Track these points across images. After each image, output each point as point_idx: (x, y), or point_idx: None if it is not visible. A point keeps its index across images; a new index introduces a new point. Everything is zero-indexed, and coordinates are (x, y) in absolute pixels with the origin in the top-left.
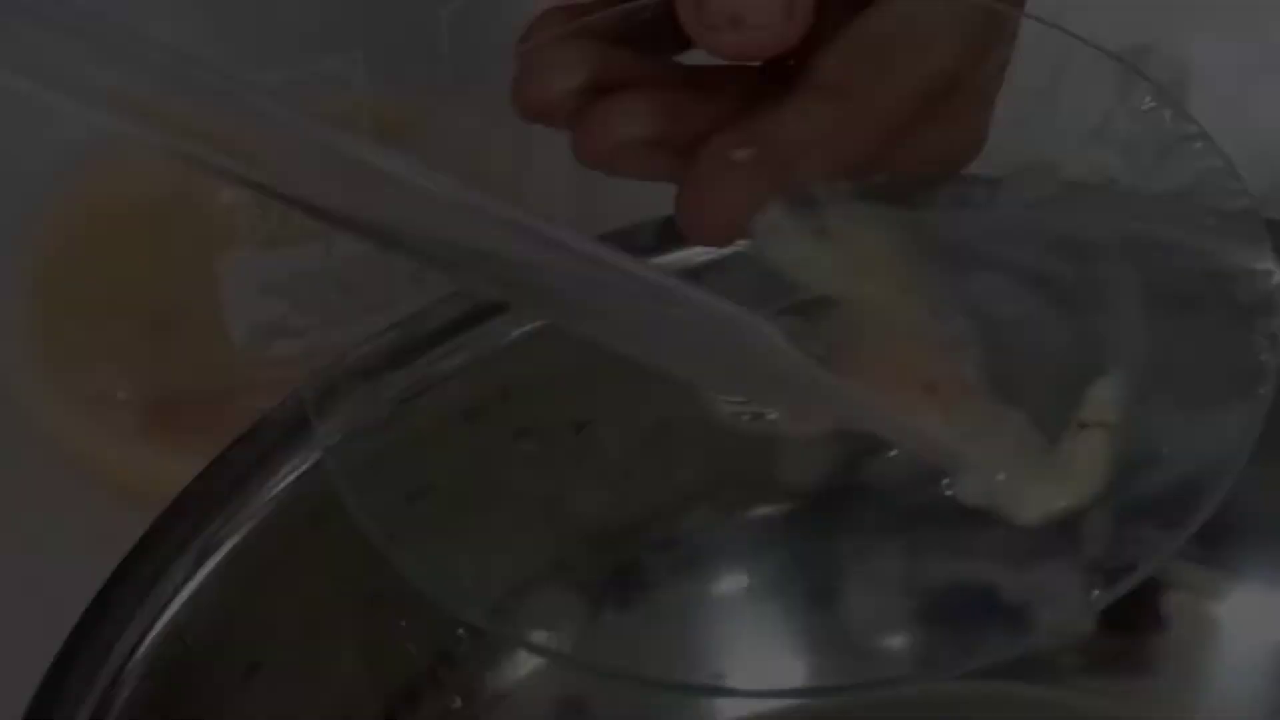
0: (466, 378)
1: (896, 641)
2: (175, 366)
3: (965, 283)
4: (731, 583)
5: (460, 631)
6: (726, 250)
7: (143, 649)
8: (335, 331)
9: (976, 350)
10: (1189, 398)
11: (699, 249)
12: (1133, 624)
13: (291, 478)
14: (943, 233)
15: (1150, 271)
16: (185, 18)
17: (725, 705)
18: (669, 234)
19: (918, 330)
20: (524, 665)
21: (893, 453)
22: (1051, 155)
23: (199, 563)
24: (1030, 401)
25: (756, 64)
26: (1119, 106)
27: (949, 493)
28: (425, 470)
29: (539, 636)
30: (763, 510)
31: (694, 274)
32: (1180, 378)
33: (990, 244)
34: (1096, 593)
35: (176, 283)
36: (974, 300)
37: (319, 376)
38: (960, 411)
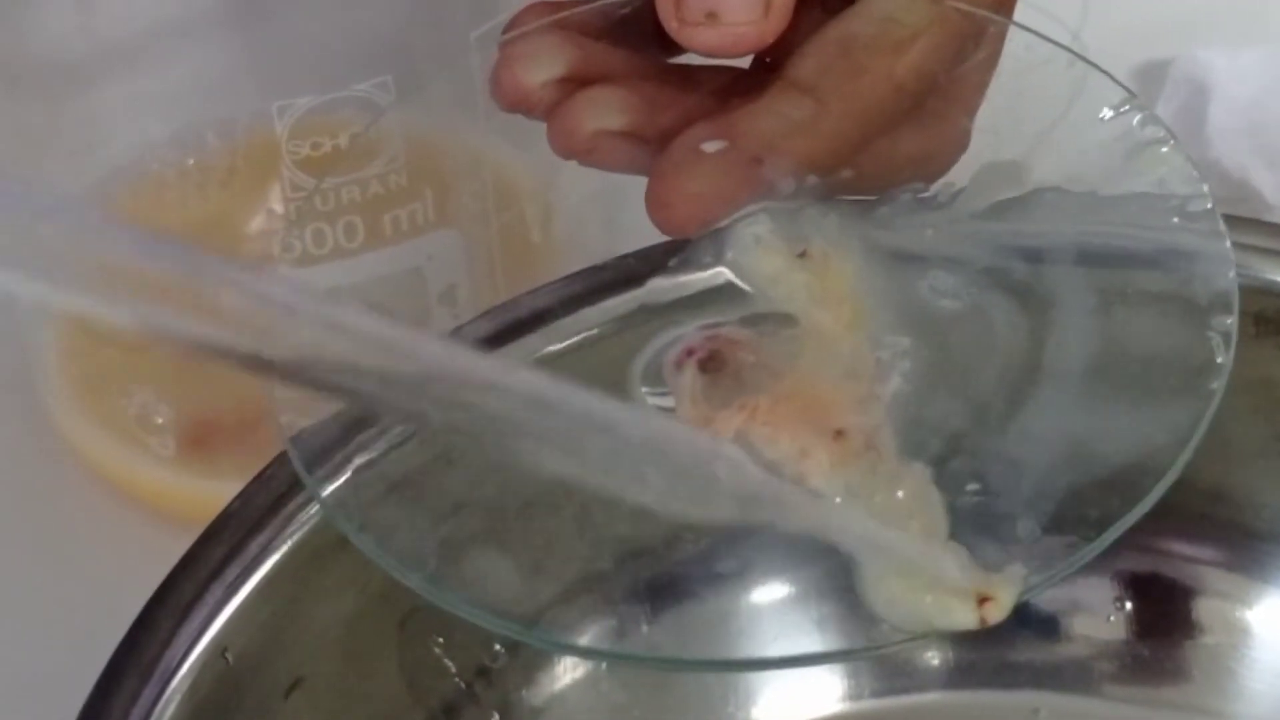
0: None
1: (931, 650)
2: (212, 389)
3: (919, 287)
4: (766, 594)
5: (498, 647)
6: (712, 271)
7: (185, 667)
8: None
9: (907, 386)
10: (1142, 391)
11: (701, 272)
12: (1165, 631)
13: (327, 492)
14: (904, 235)
15: (1110, 270)
16: (218, 43)
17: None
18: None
19: (853, 373)
20: (560, 681)
21: None
22: (1018, 157)
23: (240, 581)
24: (967, 409)
25: (733, 63)
26: (1088, 109)
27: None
28: (459, 488)
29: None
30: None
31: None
32: (1135, 372)
33: (950, 245)
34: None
35: None
36: (924, 305)
37: (307, 435)
38: (857, 466)
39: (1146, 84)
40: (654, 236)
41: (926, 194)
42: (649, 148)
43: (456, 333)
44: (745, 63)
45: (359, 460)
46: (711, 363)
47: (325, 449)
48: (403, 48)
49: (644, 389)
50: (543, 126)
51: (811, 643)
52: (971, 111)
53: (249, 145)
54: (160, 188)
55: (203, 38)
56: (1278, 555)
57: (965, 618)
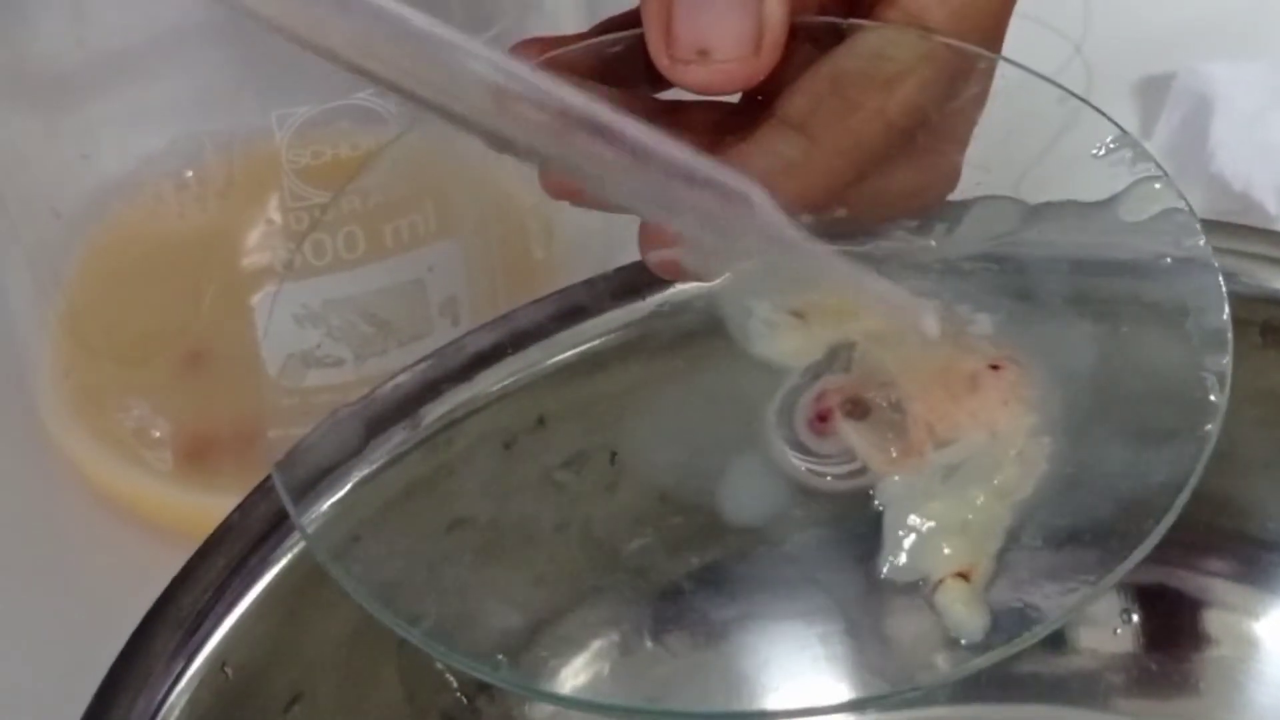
0: (501, 407)
1: (937, 661)
2: (210, 401)
3: None
4: (769, 610)
5: (500, 657)
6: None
7: (184, 681)
8: (370, 362)
9: None
10: (1138, 430)
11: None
12: (1173, 644)
13: (328, 505)
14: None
15: (1103, 307)
16: (215, 54)
17: None
18: None
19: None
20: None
21: None
22: (1010, 193)
23: (240, 594)
24: None
25: (725, 99)
26: (1079, 145)
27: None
28: (461, 501)
29: (575, 668)
30: (799, 537)
31: None
32: (1130, 411)
33: (941, 284)
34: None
35: (209, 318)
36: None
37: (291, 462)
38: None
39: (1148, 98)
40: None
41: (918, 231)
42: None
43: (457, 344)
44: (733, 97)
45: (352, 480)
46: (855, 409)
47: (317, 471)
48: None
49: (795, 458)
50: None
51: (815, 659)
52: (962, 147)
53: (247, 156)
54: (157, 199)
55: (199, 49)
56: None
57: (957, 587)
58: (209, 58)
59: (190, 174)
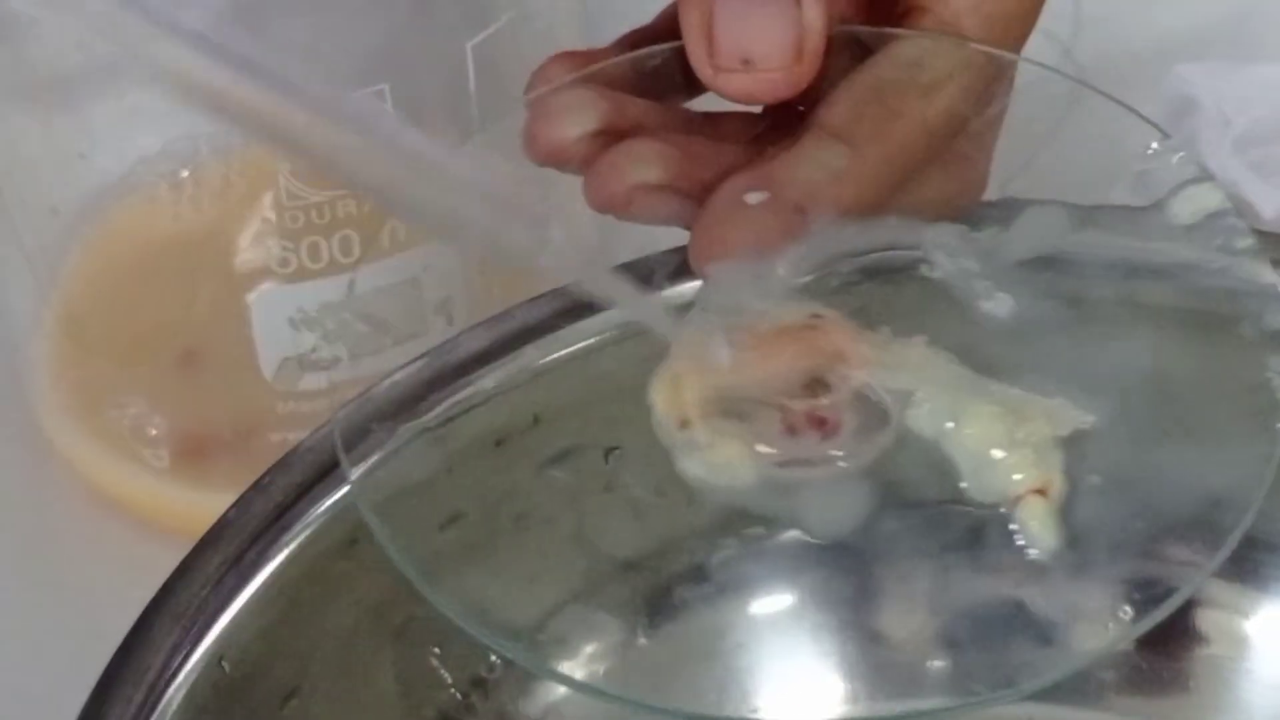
0: (496, 405)
1: (931, 663)
2: (206, 402)
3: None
4: (763, 607)
5: (494, 658)
6: None
7: (182, 676)
8: (365, 363)
9: None
10: (1205, 431)
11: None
12: (1167, 642)
13: (326, 504)
14: (952, 280)
15: (1158, 312)
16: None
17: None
18: (683, 266)
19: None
20: (557, 692)
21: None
22: (1059, 197)
23: (236, 590)
24: None
25: (761, 109)
26: (1124, 150)
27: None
28: (456, 498)
29: (570, 666)
30: (792, 536)
31: None
32: (1195, 411)
33: (998, 285)
34: (1126, 610)
35: (205, 318)
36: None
37: (348, 414)
38: None
39: (1138, 100)
40: (649, 246)
41: (969, 236)
42: (687, 200)
43: (453, 343)
44: (754, 106)
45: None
46: (815, 389)
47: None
48: (398, 57)
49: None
50: None
51: (810, 656)
52: (990, 153)
53: (242, 157)
54: (153, 200)
55: None
56: (1276, 565)
57: (1035, 502)
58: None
59: (186, 174)
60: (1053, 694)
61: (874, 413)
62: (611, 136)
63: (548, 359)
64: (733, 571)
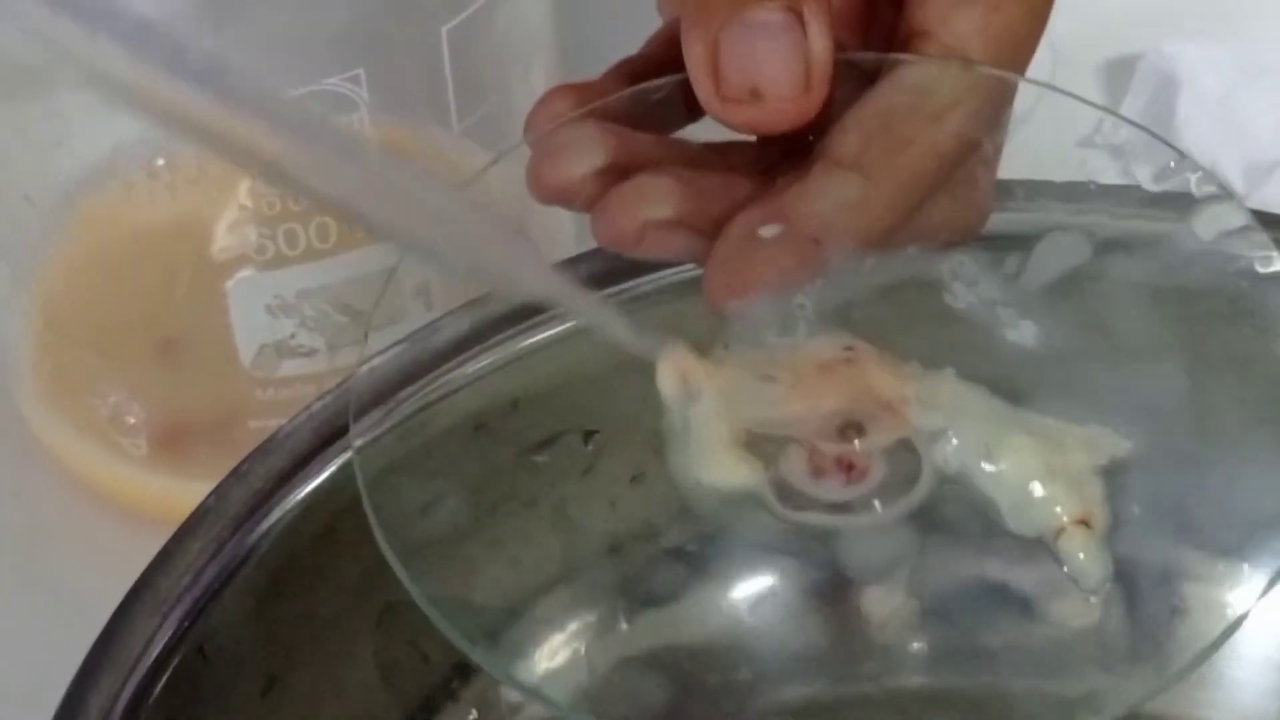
0: (475, 390)
1: (912, 644)
2: (185, 390)
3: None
4: (744, 590)
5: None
6: None
7: (162, 664)
8: (344, 350)
9: None
10: (1245, 453)
11: None
12: (1146, 616)
13: (305, 491)
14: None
15: (1188, 332)
16: (191, 36)
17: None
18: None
19: None
20: (538, 675)
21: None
22: (1079, 220)
23: (217, 576)
24: None
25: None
26: (1141, 171)
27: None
28: (436, 482)
29: (551, 649)
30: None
31: None
32: (1232, 433)
33: (1022, 313)
34: None
35: (183, 306)
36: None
37: (363, 383)
38: None
39: (1114, 78)
40: None
41: (990, 264)
42: (699, 235)
43: (431, 328)
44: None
45: (330, 468)
46: (851, 430)
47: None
48: (374, 42)
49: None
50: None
51: (788, 637)
52: (994, 174)
53: None
54: (129, 187)
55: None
56: (1262, 540)
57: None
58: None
59: (162, 162)
60: (1034, 668)
61: (908, 461)
62: (617, 173)
63: (527, 343)
64: (713, 554)
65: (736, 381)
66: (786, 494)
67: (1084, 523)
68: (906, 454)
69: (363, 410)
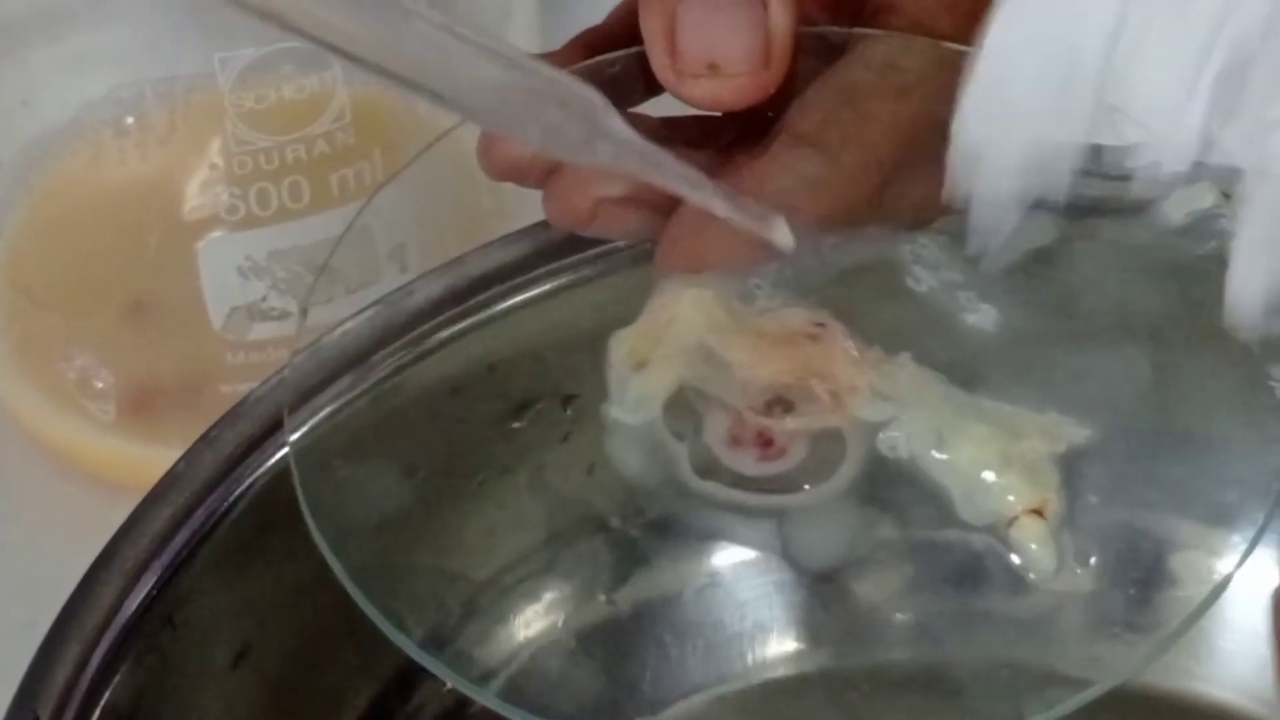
0: (451, 354)
1: (897, 609)
2: (154, 353)
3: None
4: (723, 560)
5: (453, 610)
6: None
7: (131, 634)
8: (316, 312)
9: None
10: (1206, 441)
11: None
12: (1134, 585)
13: (277, 457)
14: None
15: (1153, 315)
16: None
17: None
18: None
19: None
20: (516, 640)
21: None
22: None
23: (186, 544)
24: None
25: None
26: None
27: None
28: (411, 449)
29: (528, 618)
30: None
31: None
32: (1194, 421)
33: (983, 296)
34: None
35: (153, 267)
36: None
37: (299, 364)
38: None
39: None
40: None
41: (953, 245)
42: (653, 212)
43: (405, 290)
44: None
45: (303, 429)
46: (778, 406)
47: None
48: None
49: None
50: None
51: (774, 606)
52: None
53: (188, 102)
54: (98, 146)
55: None
56: (1251, 508)
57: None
58: (151, 1)
59: (131, 120)
60: (1025, 643)
61: (834, 448)
62: None
63: (503, 306)
64: (695, 522)
65: (693, 333)
66: (704, 461)
67: (1037, 512)
68: (836, 443)
69: (305, 393)
